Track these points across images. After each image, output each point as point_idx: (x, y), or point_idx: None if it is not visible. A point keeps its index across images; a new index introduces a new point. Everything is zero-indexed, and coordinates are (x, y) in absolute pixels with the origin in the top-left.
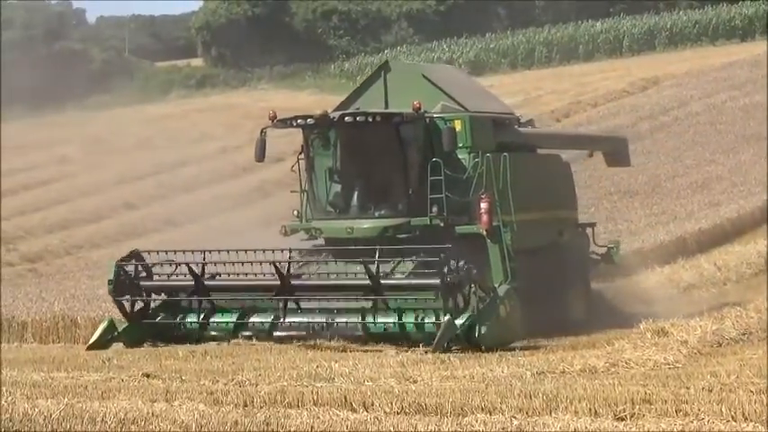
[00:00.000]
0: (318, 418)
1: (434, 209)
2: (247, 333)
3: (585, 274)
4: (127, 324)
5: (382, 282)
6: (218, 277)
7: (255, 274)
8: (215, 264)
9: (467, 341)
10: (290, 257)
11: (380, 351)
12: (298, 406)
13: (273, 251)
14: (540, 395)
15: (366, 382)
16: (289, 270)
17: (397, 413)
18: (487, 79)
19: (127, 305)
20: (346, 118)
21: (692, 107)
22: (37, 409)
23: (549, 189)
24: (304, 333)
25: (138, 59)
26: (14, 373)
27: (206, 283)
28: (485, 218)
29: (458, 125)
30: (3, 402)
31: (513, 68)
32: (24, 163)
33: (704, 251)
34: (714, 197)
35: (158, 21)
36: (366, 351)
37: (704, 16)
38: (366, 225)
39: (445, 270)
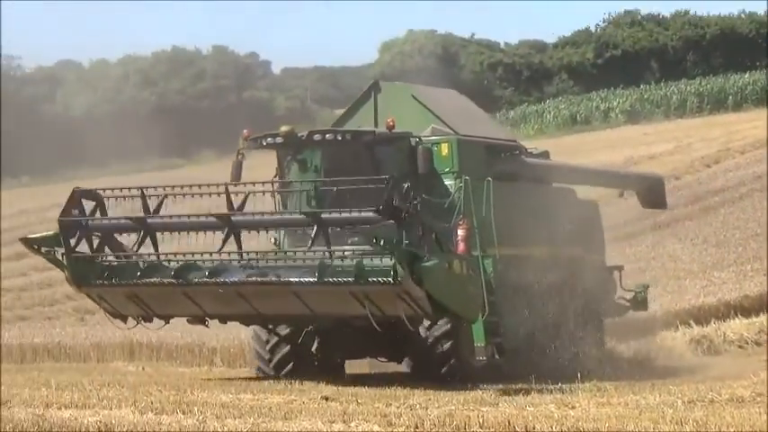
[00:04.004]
0: None
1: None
2: (194, 276)
3: (600, 321)
4: (73, 259)
5: (323, 216)
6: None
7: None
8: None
9: (411, 274)
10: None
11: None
12: (465, 429)
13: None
14: (691, 422)
15: (528, 407)
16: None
17: None
18: (642, 127)
19: (72, 242)
20: (315, 136)
21: None
22: (226, 428)
23: (556, 225)
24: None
25: (320, 107)
26: (205, 395)
27: (149, 221)
28: (461, 245)
29: (444, 149)
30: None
31: (667, 117)
32: None
33: None
34: None
35: (338, 72)
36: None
37: None
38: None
39: (393, 196)
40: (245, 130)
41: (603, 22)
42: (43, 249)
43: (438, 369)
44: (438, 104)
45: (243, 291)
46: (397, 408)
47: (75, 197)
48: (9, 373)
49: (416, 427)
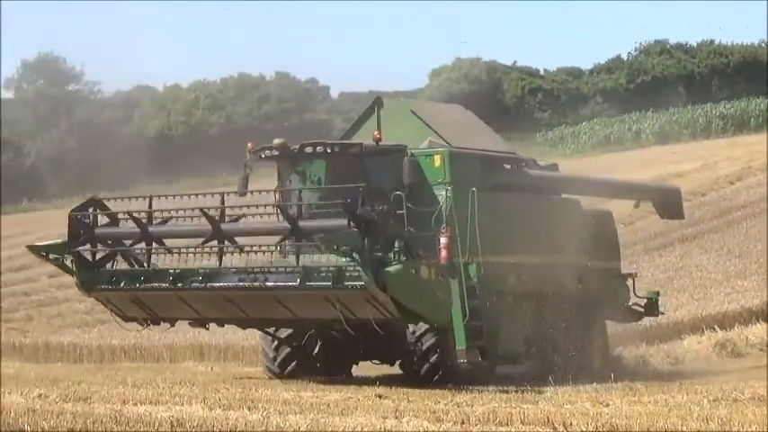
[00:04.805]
0: None
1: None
2: (187, 282)
3: (604, 326)
4: (84, 269)
5: (301, 224)
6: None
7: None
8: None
9: (375, 280)
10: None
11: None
12: (507, 424)
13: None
14: (716, 419)
15: (565, 405)
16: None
17: None
18: (671, 147)
19: (87, 255)
20: (306, 148)
21: None
22: (288, 423)
23: (555, 234)
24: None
25: None
26: (268, 392)
27: (151, 229)
28: (443, 253)
29: (437, 160)
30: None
31: (693, 138)
32: None
33: None
34: None
35: (391, 96)
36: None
37: None
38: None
39: (358, 205)
40: (249, 143)
41: (635, 50)
42: (51, 256)
43: (420, 369)
44: (436, 119)
45: (231, 296)
46: (445, 405)
47: (87, 204)
48: (89, 371)
49: (463, 423)
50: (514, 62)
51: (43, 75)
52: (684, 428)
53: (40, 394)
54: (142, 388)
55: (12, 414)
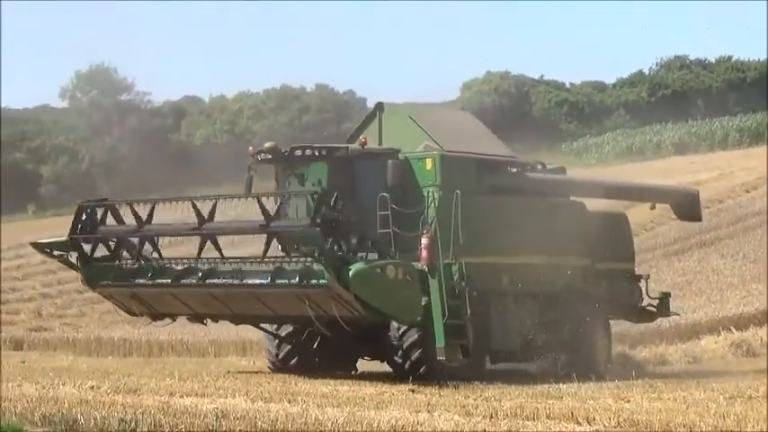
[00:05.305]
0: (550, 429)
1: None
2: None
3: (608, 325)
4: (87, 264)
5: (272, 223)
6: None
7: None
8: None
9: (337, 278)
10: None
11: (600, 376)
12: (534, 419)
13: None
14: (732, 416)
15: (588, 401)
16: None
17: (614, 427)
18: (689, 158)
19: (87, 248)
20: (296, 151)
21: None
22: (326, 416)
23: (555, 235)
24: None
25: None
26: (308, 386)
27: (147, 227)
28: (424, 254)
29: (428, 163)
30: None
31: (711, 149)
32: None
33: None
34: None
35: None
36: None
37: None
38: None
39: (322, 207)
40: (250, 147)
41: (656, 65)
42: (55, 253)
43: (403, 365)
44: (434, 124)
45: (215, 293)
46: (474, 400)
47: (81, 209)
48: (138, 365)
49: (491, 417)
50: (541, 76)
51: (96, 85)
52: (702, 424)
53: (93, 386)
54: (188, 381)
55: (66, 404)
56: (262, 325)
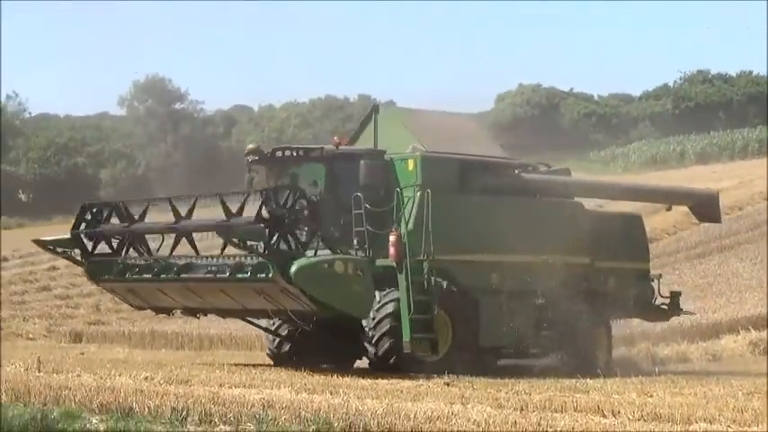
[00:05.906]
0: (578, 421)
1: (356, 242)
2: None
3: (608, 324)
4: (89, 260)
5: (231, 221)
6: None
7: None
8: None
9: (281, 274)
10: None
11: (624, 373)
12: (562, 411)
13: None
14: (750, 410)
15: (614, 395)
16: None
17: (638, 420)
18: (711, 167)
19: (88, 244)
20: (277, 153)
21: None
22: (365, 407)
23: (547, 234)
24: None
25: None
26: (348, 379)
27: (134, 225)
28: (392, 250)
29: (410, 164)
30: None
31: (731, 159)
32: None
33: None
34: None
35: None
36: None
37: None
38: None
39: (270, 204)
40: (245, 149)
41: (680, 79)
42: (59, 249)
43: (375, 354)
44: (426, 128)
45: (191, 287)
46: (506, 393)
47: (84, 209)
48: (190, 357)
49: (522, 410)
50: (571, 89)
51: (152, 95)
52: (721, 418)
53: (147, 377)
54: (236, 373)
55: (122, 394)
56: (249, 319)
